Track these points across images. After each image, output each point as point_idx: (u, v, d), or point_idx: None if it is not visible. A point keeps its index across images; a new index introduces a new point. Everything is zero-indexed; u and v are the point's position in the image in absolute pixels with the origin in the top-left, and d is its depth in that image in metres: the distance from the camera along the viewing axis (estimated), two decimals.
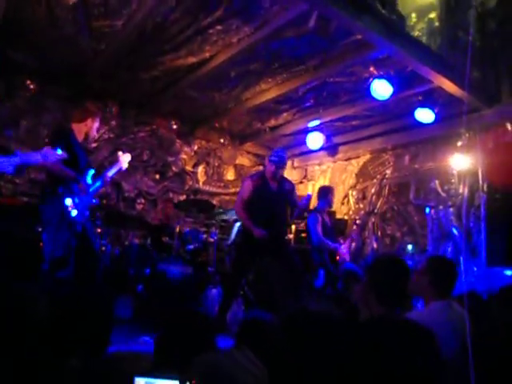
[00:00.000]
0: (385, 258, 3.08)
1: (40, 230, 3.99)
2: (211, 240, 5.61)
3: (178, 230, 5.14)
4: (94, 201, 3.76)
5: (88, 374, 1.36)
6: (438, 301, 2.18)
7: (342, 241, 5.61)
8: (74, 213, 3.47)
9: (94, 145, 6.11)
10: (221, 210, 6.57)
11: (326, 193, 5.52)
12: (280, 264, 4.28)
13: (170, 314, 1.75)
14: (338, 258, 5.36)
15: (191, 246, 5.23)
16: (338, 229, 6.25)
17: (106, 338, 1.60)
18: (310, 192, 4.48)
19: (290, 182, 4.65)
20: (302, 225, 6.89)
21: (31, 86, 5.76)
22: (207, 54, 5.04)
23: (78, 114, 3.82)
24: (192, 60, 5.16)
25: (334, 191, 5.71)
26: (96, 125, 3.85)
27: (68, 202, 3.47)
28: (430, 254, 2.78)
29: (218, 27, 4.53)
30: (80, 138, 3.75)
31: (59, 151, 3.01)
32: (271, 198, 4.26)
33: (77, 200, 3.51)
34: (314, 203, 5.90)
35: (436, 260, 2.46)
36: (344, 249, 5.36)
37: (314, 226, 5.13)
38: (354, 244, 5.89)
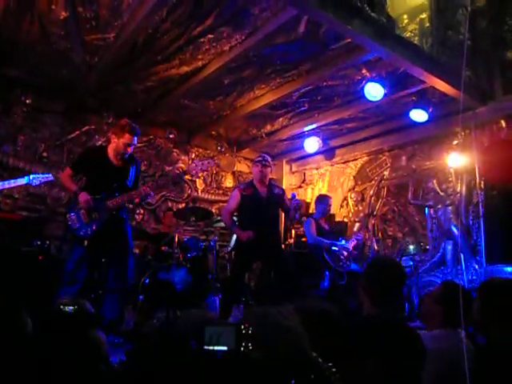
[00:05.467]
0: (380, 259, 3.08)
1: (38, 243, 4.02)
2: (211, 247, 5.61)
3: (177, 238, 5.13)
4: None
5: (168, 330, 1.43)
6: (447, 329, 2.06)
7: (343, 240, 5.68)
8: (79, 229, 3.58)
9: None
10: (220, 218, 6.56)
11: (320, 202, 5.75)
12: (275, 268, 4.33)
13: None
14: (341, 257, 5.40)
15: (191, 255, 5.22)
16: (338, 231, 6.31)
17: None
18: (295, 194, 4.60)
19: (279, 187, 4.74)
20: (302, 229, 6.90)
21: (27, 102, 5.79)
22: (200, 63, 5.07)
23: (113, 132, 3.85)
24: (185, 69, 5.20)
25: (330, 200, 5.82)
26: (122, 141, 3.72)
27: (69, 218, 3.60)
28: (446, 281, 2.62)
29: (210, 36, 4.58)
30: (112, 156, 3.78)
31: (45, 175, 3.39)
32: (261, 204, 4.33)
33: (78, 215, 3.60)
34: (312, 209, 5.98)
35: (452, 290, 2.18)
36: (347, 244, 5.45)
37: (308, 229, 5.44)
38: (359, 243, 5.90)
